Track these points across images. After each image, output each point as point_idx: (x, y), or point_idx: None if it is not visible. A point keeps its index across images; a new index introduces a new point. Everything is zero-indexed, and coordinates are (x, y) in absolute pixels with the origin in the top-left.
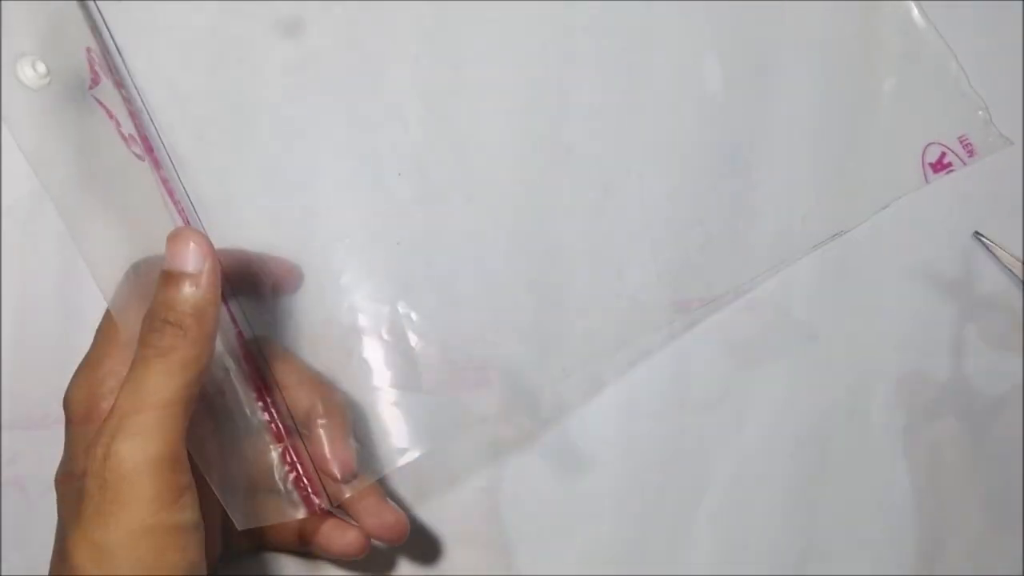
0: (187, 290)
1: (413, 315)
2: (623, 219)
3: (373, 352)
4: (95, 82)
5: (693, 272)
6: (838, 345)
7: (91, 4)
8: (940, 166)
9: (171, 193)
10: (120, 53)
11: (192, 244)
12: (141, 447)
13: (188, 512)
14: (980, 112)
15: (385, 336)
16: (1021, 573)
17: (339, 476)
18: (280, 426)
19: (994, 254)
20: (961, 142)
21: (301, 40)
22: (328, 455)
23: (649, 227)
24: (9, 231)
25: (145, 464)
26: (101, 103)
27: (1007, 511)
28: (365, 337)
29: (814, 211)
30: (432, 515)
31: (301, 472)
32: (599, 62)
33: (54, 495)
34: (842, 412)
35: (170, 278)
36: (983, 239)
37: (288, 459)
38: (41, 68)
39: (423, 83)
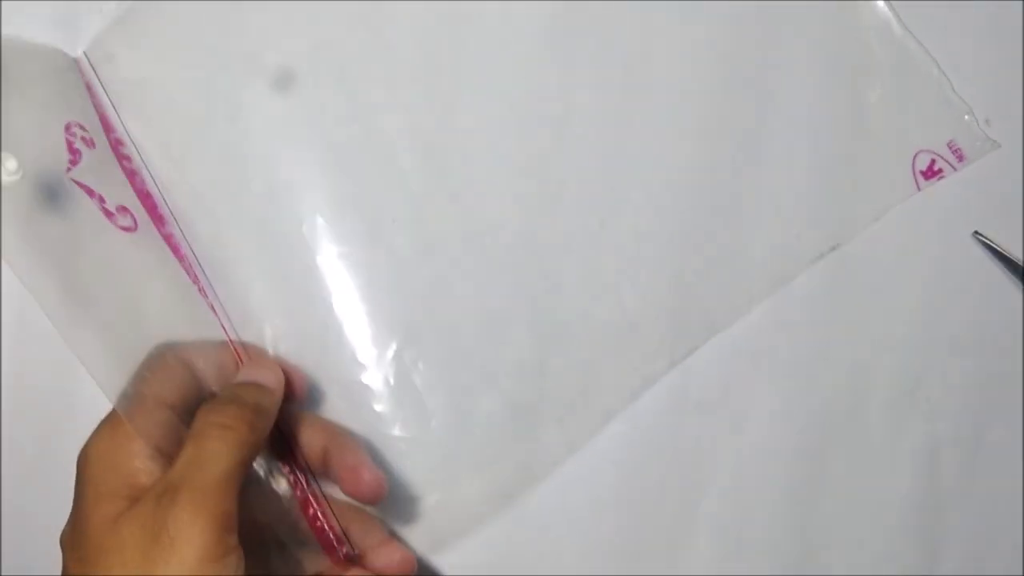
0: (259, 394)
1: (420, 363)
2: (621, 250)
3: (381, 402)
4: (74, 162)
5: (693, 298)
6: (838, 345)
7: (84, 62)
8: (931, 173)
9: (176, 250)
10: (115, 108)
11: (270, 368)
12: (199, 507)
13: (231, 570)
14: (966, 117)
15: (392, 385)
16: (1021, 573)
17: (370, 496)
18: (299, 476)
19: (994, 254)
20: (950, 147)
21: (293, 93)
22: (357, 477)
23: (646, 256)
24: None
25: (201, 522)
26: (81, 184)
27: (1007, 511)
28: (372, 388)
29: (809, 227)
30: (442, 558)
31: (323, 520)
32: (591, 96)
33: None
34: (842, 412)
35: (243, 383)
36: (983, 239)
37: (310, 509)
38: (11, 164)
39: (416, 130)
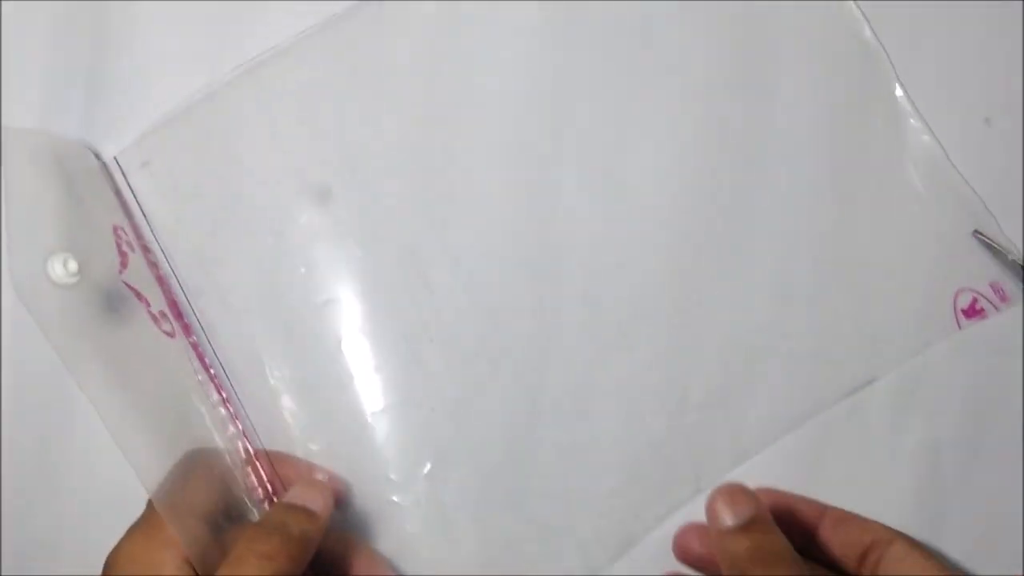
0: (306, 521)
1: (450, 484)
2: (645, 372)
3: (412, 522)
4: (123, 264)
5: (721, 425)
6: (838, 345)
7: (115, 166)
8: (972, 312)
9: (201, 358)
10: (145, 215)
11: (320, 492)
12: None
13: None
14: (1010, 257)
15: (423, 505)
16: (1021, 573)
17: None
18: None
19: (994, 254)
20: (993, 288)
21: (328, 208)
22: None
23: (675, 380)
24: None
25: None
26: (131, 287)
27: (1007, 511)
28: (403, 507)
29: (846, 358)
30: None
31: None
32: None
33: None
34: (842, 412)
35: (292, 506)
36: (983, 239)
37: None
38: (72, 266)
39: (447, 248)
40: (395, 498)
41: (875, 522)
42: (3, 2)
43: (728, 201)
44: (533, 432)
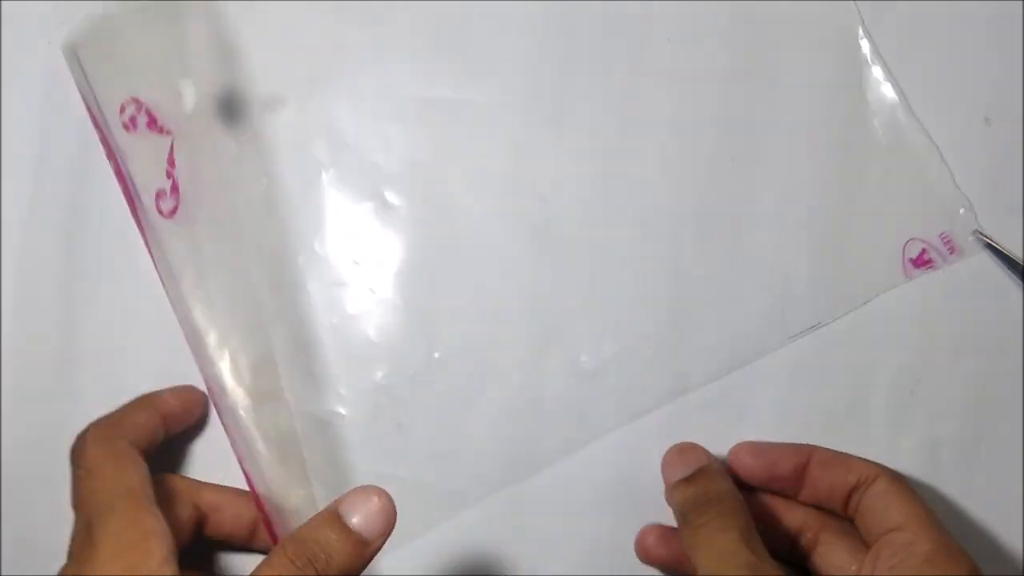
0: (351, 550)
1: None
2: (608, 307)
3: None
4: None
5: (668, 357)
6: (838, 345)
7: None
8: (921, 262)
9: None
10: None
11: (380, 509)
12: None
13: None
14: (962, 211)
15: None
16: (1021, 573)
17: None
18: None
19: (994, 254)
20: (943, 239)
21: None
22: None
23: (622, 310)
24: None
25: None
26: None
27: (1007, 511)
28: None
29: (794, 302)
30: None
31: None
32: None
33: None
34: (842, 412)
35: (341, 526)
36: (983, 239)
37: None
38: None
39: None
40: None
41: (859, 460)
42: (3, 2)
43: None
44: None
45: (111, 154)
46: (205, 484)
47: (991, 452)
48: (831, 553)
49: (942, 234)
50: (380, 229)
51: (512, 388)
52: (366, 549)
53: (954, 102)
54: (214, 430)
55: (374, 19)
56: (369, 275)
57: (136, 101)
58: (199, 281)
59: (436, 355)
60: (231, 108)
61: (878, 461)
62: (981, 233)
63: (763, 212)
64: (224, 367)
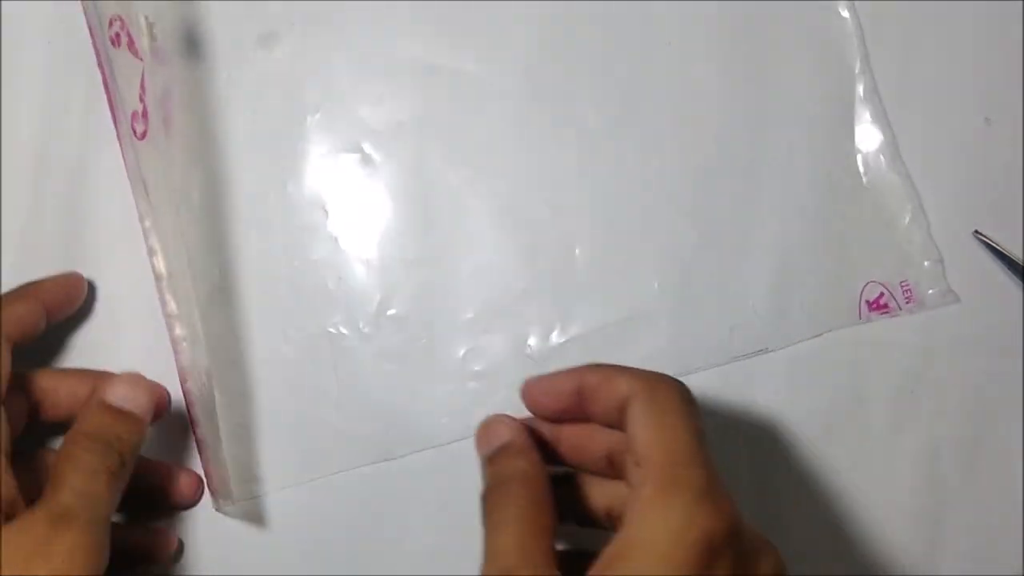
0: (131, 427)
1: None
2: (566, 313)
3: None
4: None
5: (631, 356)
6: (838, 345)
7: None
8: (877, 306)
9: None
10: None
11: (136, 384)
12: (91, 540)
13: None
14: (926, 263)
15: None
16: (1021, 573)
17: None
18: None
19: (994, 254)
20: (902, 287)
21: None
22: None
23: (592, 315)
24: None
25: (94, 554)
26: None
27: (1007, 511)
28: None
29: (744, 324)
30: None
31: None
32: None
33: None
34: (842, 412)
35: (113, 410)
36: (983, 239)
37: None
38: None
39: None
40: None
41: (624, 376)
42: (3, 2)
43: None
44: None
45: (100, 64)
46: (37, 370)
47: (991, 452)
48: (628, 475)
49: (903, 282)
50: (355, 182)
51: (455, 359)
52: (141, 423)
53: (954, 102)
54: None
55: None
56: (337, 225)
57: (120, 19)
58: (162, 205)
59: (390, 312)
60: (194, 43)
61: (878, 461)
62: (981, 233)
63: (733, 231)
64: (168, 292)
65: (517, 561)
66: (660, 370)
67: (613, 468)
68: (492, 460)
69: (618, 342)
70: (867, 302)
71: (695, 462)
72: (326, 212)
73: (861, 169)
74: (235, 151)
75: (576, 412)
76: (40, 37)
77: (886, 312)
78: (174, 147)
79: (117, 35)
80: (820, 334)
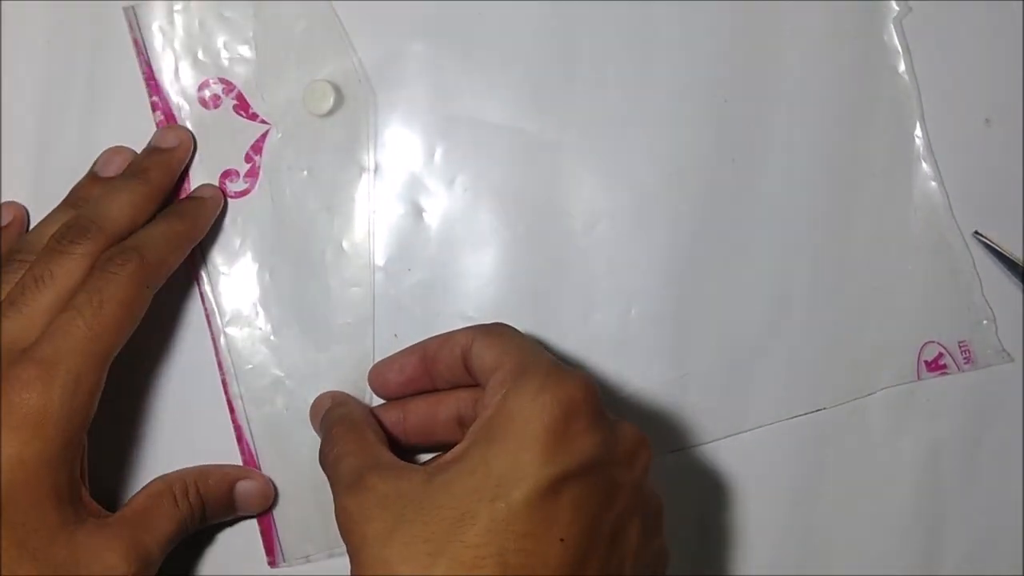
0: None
1: None
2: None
3: None
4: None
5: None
6: (838, 345)
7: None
8: (935, 366)
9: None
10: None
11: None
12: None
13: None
14: (984, 322)
15: None
16: (1021, 573)
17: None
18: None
19: (994, 254)
20: (961, 348)
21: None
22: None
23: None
24: None
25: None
26: None
27: (1007, 511)
28: None
29: (799, 383)
30: None
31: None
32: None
33: None
34: (842, 412)
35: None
36: (983, 239)
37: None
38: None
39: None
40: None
41: (456, 334)
42: (3, 2)
43: (729, 199)
44: None
45: (166, 110)
46: None
47: (991, 452)
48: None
49: (961, 342)
50: (408, 237)
51: None
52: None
53: (954, 102)
54: None
55: (438, 30)
56: (390, 280)
57: (226, 83)
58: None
59: None
60: (322, 99)
61: (878, 461)
62: (981, 234)
63: (792, 285)
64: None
65: (359, 467)
66: (711, 431)
67: (463, 429)
68: (322, 422)
69: (670, 398)
70: (925, 362)
71: (541, 354)
72: (380, 268)
73: (918, 227)
74: (295, 208)
75: (422, 383)
76: (40, 37)
77: (944, 371)
78: (263, 207)
79: (216, 97)
80: (874, 392)
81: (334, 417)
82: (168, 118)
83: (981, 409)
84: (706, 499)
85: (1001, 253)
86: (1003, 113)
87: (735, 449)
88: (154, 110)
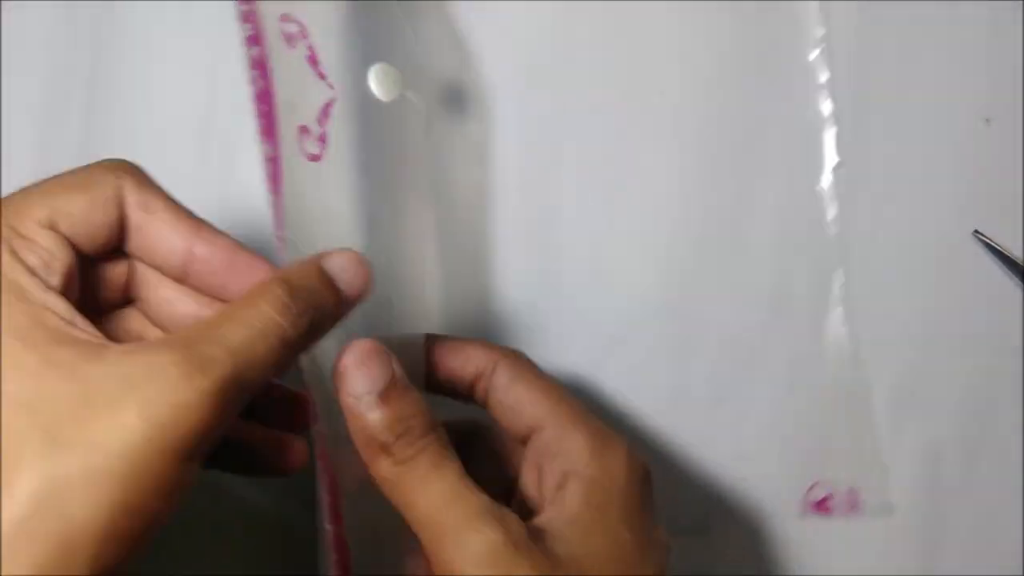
0: (334, 301)
1: None
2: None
3: None
4: None
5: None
6: (838, 345)
7: None
8: (820, 507)
9: None
10: None
11: (357, 263)
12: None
13: None
14: (875, 472)
15: None
16: (1021, 573)
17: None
18: None
19: (994, 254)
20: (849, 493)
21: None
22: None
23: None
24: None
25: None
26: None
27: (1007, 511)
28: None
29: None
30: None
31: None
32: None
33: None
34: (842, 413)
35: (328, 280)
36: (983, 239)
37: None
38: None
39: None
40: None
41: (476, 348)
42: (3, 2)
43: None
44: None
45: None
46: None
47: (991, 452)
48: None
49: (850, 489)
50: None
51: None
52: (345, 306)
53: (954, 102)
54: None
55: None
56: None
57: (302, 26)
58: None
59: None
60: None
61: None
62: (981, 234)
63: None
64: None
65: (480, 500)
66: None
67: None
68: (387, 399)
69: None
70: (811, 502)
71: (587, 412)
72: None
73: (829, 369)
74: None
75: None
76: (40, 37)
77: (827, 514)
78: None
79: (291, 36)
80: (756, 524)
81: (422, 421)
82: (257, 35)
83: (981, 409)
84: (704, 499)
85: (1001, 253)
86: (1003, 113)
87: (735, 449)
88: (244, 21)
